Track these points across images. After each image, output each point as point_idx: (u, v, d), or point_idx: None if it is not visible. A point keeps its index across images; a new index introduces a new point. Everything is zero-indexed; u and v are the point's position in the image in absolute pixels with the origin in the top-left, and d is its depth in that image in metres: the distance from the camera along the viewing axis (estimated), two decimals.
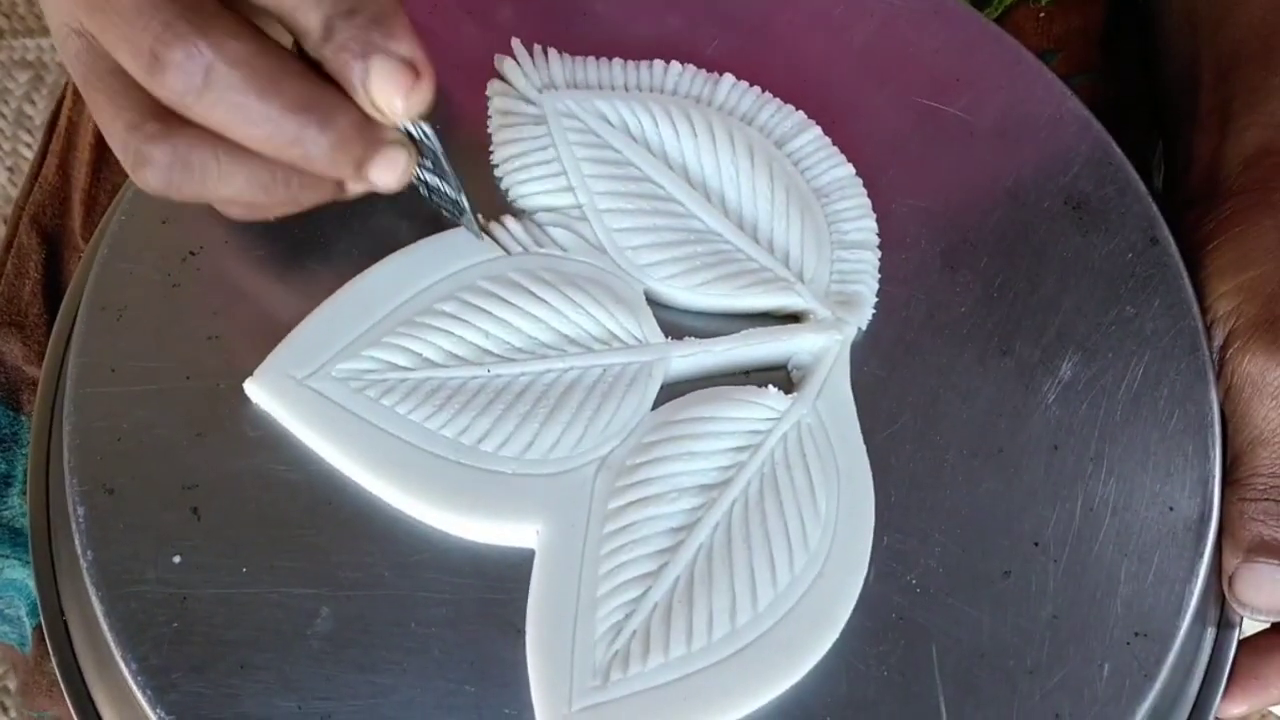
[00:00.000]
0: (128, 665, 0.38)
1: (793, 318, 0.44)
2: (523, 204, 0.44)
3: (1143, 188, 0.47)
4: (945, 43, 0.49)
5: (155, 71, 0.35)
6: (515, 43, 0.46)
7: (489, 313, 0.42)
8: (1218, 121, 0.49)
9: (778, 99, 0.46)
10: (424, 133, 0.39)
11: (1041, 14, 0.58)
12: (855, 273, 0.44)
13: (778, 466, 0.41)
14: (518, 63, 0.46)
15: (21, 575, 0.50)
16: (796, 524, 0.40)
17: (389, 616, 0.39)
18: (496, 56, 0.46)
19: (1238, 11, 0.50)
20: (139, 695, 0.38)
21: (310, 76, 0.37)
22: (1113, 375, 0.43)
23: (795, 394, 0.42)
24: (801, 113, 0.46)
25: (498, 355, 0.42)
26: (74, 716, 0.42)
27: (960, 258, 0.45)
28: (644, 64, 0.46)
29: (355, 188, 0.39)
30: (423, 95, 0.37)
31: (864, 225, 0.45)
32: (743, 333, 0.43)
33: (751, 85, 0.46)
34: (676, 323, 0.43)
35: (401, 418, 0.41)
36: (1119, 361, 0.44)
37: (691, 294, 0.43)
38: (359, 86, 0.37)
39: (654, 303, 0.43)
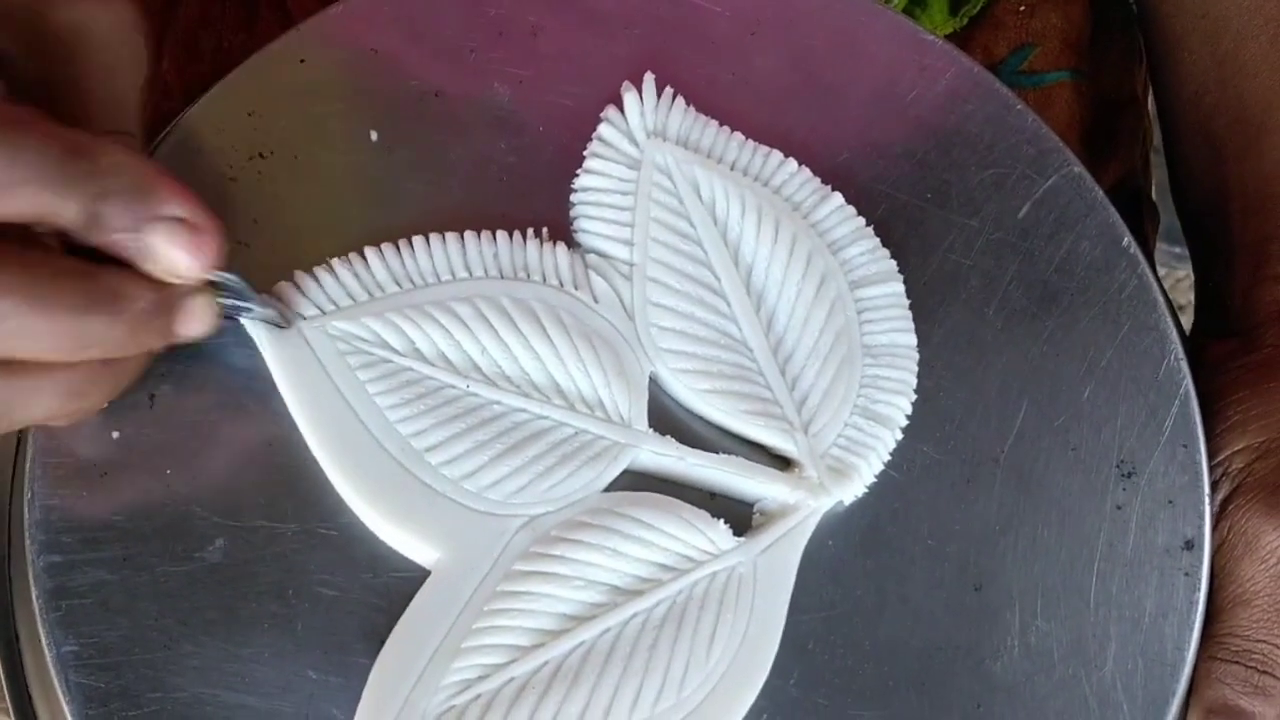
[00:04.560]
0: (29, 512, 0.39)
1: (785, 460, 0.42)
2: (581, 239, 0.43)
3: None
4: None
5: None
6: (648, 77, 0.44)
7: (495, 331, 0.41)
8: (1251, 261, 0.47)
9: (878, 239, 0.44)
10: (223, 276, 0.38)
11: (1022, 7, 0.58)
12: (862, 446, 0.42)
13: (690, 601, 0.40)
14: (640, 98, 0.44)
15: None
16: (680, 665, 0.39)
17: (273, 576, 0.39)
18: (625, 84, 0.44)
19: (1264, 142, 0.49)
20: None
21: (85, 269, 0.35)
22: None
23: (743, 539, 0.41)
24: (894, 262, 0.44)
25: (484, 375, 0.41)
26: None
27: (980, 474, 0.42)
28: (761, 150, 0.44)
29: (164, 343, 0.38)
30: (212, 246, 0.36)
31: (896, 401, 0.42)
32: (721, 456, 0.41)
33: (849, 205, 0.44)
34: (671, 413, 0.42)
35: (368, 398, 0.40)
36: None
37: (693, 395, 0.42)
38: (143, 262, 0.36)
39: (656, 386, 0.42)
